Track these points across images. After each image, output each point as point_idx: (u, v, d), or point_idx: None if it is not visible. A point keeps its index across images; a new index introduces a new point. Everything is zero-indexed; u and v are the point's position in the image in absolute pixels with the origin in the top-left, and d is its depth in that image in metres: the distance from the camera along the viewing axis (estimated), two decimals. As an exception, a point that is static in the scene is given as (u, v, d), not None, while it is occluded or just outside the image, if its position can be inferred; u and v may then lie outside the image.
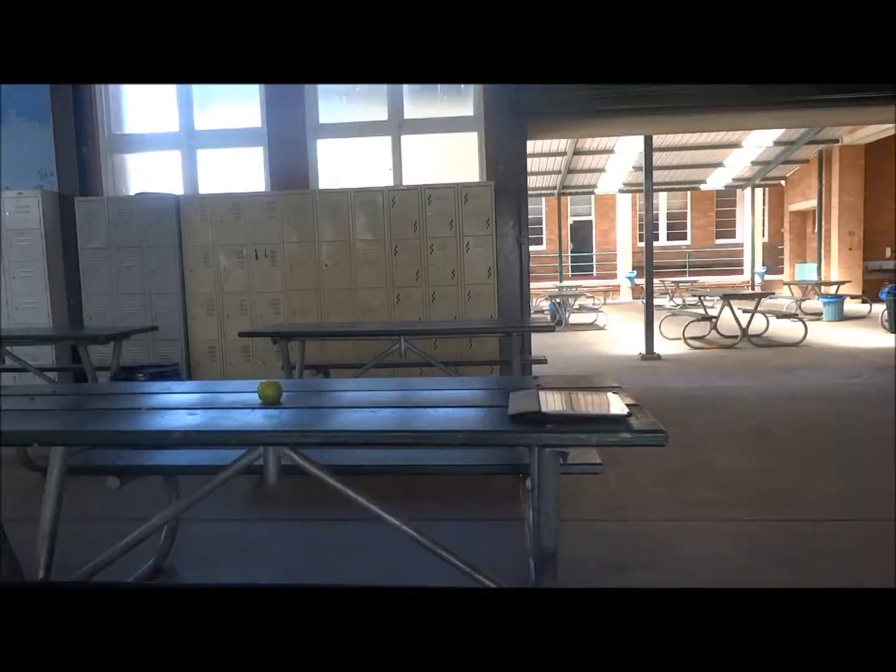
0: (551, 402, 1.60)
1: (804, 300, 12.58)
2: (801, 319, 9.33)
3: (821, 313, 11.55)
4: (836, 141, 13.76)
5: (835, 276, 14.28)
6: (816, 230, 15.16)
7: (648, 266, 7.93)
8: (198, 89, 5.89)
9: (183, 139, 5.96)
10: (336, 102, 5.85)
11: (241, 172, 6.00)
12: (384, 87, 5.72)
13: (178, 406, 1.94)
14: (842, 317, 11.36)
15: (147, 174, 6.11)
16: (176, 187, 5.93)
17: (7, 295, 5.58)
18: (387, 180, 5.80)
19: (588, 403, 1.63)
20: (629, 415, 1.51)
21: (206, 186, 5.98)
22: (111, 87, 5.93)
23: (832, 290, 12.45)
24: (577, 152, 13.29)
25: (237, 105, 5.92)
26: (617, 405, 1.59)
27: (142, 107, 6.10)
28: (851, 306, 12.50)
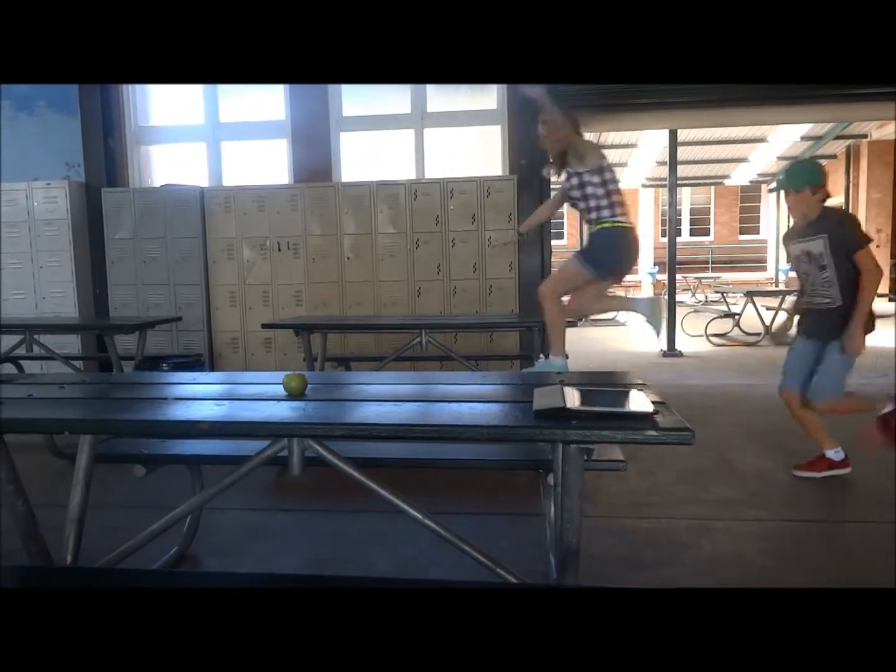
0: (576, 399, 1.60)
1: (829, 298, 12.38)
2: (826, 317, 9.18)
3: (846, 311, 11.36)
4: (865, 136, 13.51)
5: (861, 273, 14.03)
6: (843, 227, 14.90)
7: (671, 262, 7.86)
8: (223, 82, 5.92)
9: (208, 131, 6.00)
10: (359, 95, 5.86)
11: (264, 165, 6.03)
12: (407, 80, 5.72)
13: (204, 397, 1.97)
14: (868, 315, 11.17)
15: (172, 166, 6.17)
16: (200, 179, 5.98)
17: (35, 284, 5.67)
18: (409, 173, 5.81)
19: (613, 400, 1.63)
20: (655, 412, 1.50)
21: (230, 178, 6.02)
22: (138, 79, 5.99)
23: (858, 287, 12.24)
24: (599, 146, 13.18)
25: (262, 98, 5.95)
26: (643, 402, 1.58)
27: (168, 99, 6.15)
28: (878, 305, 12.30)
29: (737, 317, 9.22)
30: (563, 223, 21.43)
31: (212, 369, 5.55)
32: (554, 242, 6.10)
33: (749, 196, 21.30)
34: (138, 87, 6.02)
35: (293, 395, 1.85)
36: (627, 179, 15.90)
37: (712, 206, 21.73)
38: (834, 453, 3.45)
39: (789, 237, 3.58)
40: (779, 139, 13.01)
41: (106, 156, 5.87)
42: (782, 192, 3.49)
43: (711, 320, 9.09)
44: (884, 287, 13.44)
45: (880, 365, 6.69)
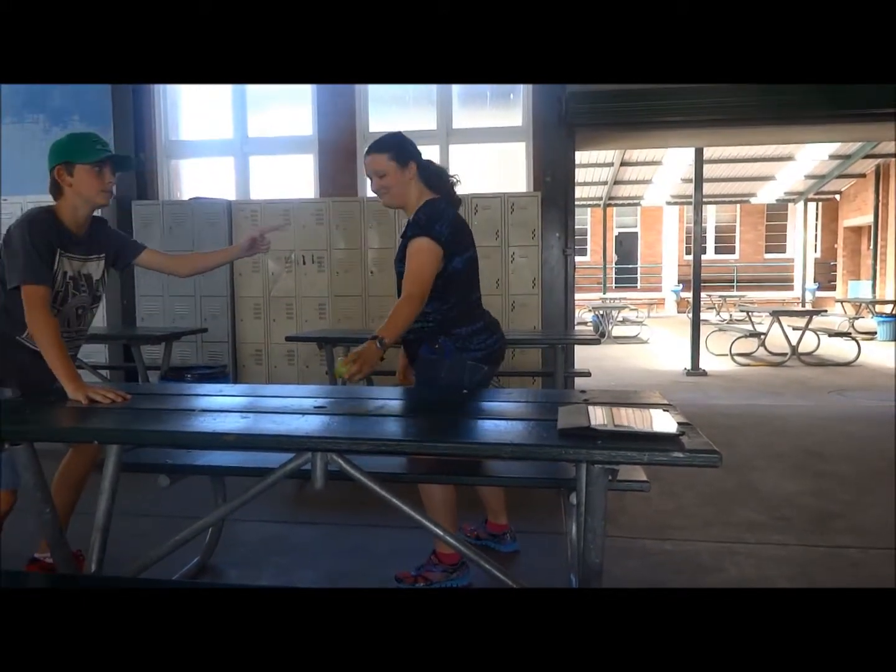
0: (601, 418, 1.59)
1: (857, 318, 12.21)
2: (853, 338, 9.07)
3: (875, 332, 11.19)
4: (895, 155, 13.34)
5: (890, 294, 13.82)
6: (872, 247, 14.71)
7: (696, 280, 7.80)
8: (252, 97, 6.01)
9: (236, 146, 6.09)
10: (386, 111, 5.91)
11: (291, 179, 6.10)
12: (433, 95, 5.77)
13: (230, 409, 1.98)
14: (897, 337, 11.00)
15: (201, 180, 6.26)
16: (228, 193, 6.06)
17: (65, 294, 5.76)
18: (434, 189, 5.83)
19: (639, 420, 1.61)
20: (681, 434, 1.49)
21: (258, 192, 6.10)
22: (169, 94, 6.11)
23: (887, 308, 12.05)
24: (623, 163, 13.16)
25: (289, 113, 6.03)
26: (668, 423, 1.57)
27: (198, 114, 6.25)
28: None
29: (762, 336, 9.12)
30: (586, 239, 21.39)
31: (235, 381, 5.59)
32: (576, 259, 6.07)
33: (776, 214, 21.10)
34: (169, 101, 6.14)
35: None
36: (652, 197, 15.85)
37: (738, 225, 21.56)
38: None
39: None
40: (807, 157, 12.90)
41: (136, 168, 5.98)
42: None
43: (736, 339, 8.99)
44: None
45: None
